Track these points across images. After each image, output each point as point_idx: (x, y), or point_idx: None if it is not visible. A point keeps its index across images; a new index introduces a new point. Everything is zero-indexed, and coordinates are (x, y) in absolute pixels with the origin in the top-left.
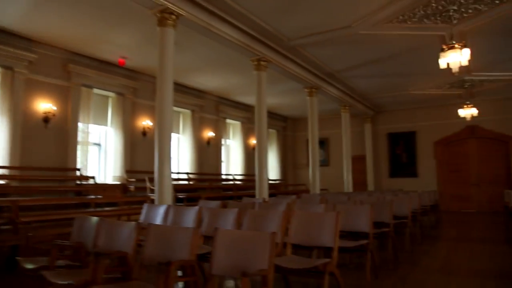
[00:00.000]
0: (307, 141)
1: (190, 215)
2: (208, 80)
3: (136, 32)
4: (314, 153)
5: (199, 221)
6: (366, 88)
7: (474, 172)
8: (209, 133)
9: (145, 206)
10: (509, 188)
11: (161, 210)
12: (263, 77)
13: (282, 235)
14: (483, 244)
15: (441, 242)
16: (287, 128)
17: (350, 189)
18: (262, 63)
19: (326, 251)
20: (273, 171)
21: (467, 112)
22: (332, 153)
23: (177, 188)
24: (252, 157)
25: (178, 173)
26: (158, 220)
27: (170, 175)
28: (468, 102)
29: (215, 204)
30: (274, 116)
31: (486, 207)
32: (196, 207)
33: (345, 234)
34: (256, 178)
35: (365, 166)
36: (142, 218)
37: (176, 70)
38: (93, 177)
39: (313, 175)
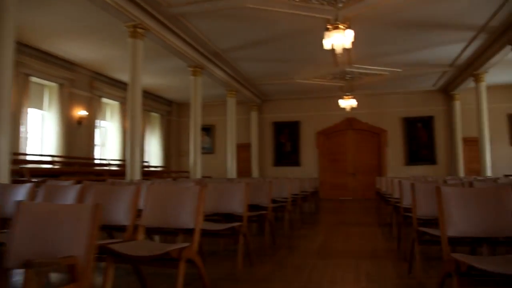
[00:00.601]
0: None
1: (19, 194)
2: (80, 50)
3: None
4: (196, 137)
5: (31, 199)
6: (253, 72)
7: (351, 162)
8: (81, 112)
9: None
10: (380, 176)
11: None
12: (139, 46)
13: (133, 215)
14: (358, 227)
15: (320, 227)
16: (172, 113)
17: (234, 177)
18: (138, 30)
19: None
20: (155, 158)
21: (347, 103)
22: (218, 141)
23: (35, 172)
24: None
25: (40, 155)
26: None
27: (7, 153)
28: (348, 93)
29: (66, 183)
30: (158, 99)
31: (361, 195)
32: (29, 184)
33: (220, 219)
34: (127, 160)
35: (251, 155)
36: None
37: (38, 32)
38: None
39: (194, 161)
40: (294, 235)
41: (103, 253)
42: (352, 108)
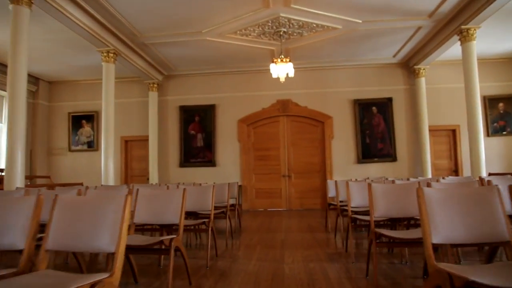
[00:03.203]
0: (69, 114)
1: None
2: None
3: None
4: (14, 121)
5: None
6: (135, 18)
7: (284, 160)
8: None
9: None
10: (324, 178)
11: None
12: None
13: (31, 237)
14: None
15: None
16: (39, 95)
17: (111, 182)
18: None
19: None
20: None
21: (282, 69)
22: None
23: None
24: None
25: None
26: None
27: None
28: (282, 56)
29: None
30: None
31: (298, 204)
32: None
33: None
34: None
35: (148, 152)
36: None
37: None
38: None
39: (10, 162)
40: None
41: None
42: (287, 87)
